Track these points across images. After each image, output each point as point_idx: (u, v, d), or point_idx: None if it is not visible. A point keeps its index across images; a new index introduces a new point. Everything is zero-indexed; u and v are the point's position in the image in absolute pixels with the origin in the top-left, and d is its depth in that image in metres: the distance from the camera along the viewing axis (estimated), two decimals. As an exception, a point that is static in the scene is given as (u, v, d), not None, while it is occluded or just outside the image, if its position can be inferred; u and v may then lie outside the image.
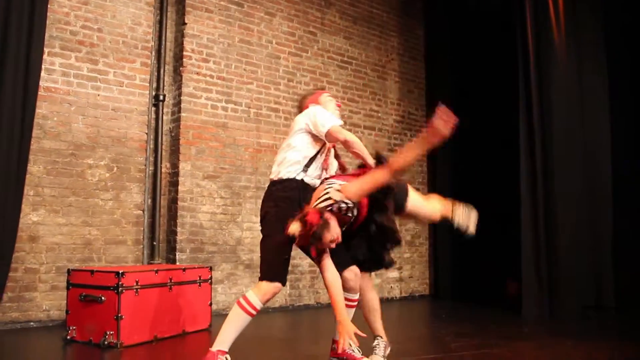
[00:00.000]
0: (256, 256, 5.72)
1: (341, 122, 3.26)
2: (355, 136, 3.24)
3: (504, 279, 6.75)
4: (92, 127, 5.05)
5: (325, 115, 3.21)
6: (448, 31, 7.58)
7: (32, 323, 4.59)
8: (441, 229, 7.43)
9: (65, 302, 4.09)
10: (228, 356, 2.94)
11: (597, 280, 6.00)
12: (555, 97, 5.81)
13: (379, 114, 7.12)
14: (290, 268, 5.57)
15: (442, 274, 7.38)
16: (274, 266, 2.99)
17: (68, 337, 3.92)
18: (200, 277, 4.52)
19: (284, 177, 3.13)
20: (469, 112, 7.40)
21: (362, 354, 3.24)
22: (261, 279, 2.99)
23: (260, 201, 5.85)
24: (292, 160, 3.16)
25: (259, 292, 2.94)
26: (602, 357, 3.56)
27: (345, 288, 3.09)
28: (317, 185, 3.17)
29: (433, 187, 7.53)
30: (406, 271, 7.23)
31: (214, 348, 2.93)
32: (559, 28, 5.94)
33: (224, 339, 2.95)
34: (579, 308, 5.70)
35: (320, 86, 6.51)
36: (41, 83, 4.65)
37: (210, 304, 4.62)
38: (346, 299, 3.06)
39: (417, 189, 7.42)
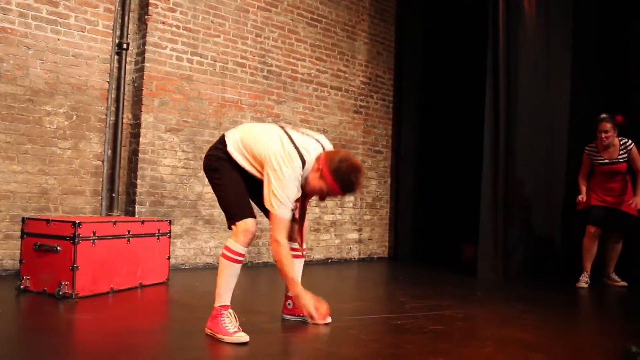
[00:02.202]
0: (216, 212, 5.70)
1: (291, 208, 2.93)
2: (283, 254, 2.90)
3: (462, 243, 6.91)
4: (51, 72, 4.88)
5: (279, 197, 2.83)
6: (420, -6, 7.54)
7: (-16, 271, 4.51)
8: (403, 193, 7.52)
9: (19, 251, 4.01)
10: (231, 310, 2.91)
11: (549, 247, 6.25)
12: (522, 65, 5.93)
13: (346, 75, 7.08)
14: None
15: (402, 237, 7.50)
16: (235, 205, 2.93)
17: (21, 287, 3.86)
18: (159, 230, 4.48)
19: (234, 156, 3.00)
20: (436, 78, 7.48)
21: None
22: (232, 224, 2.92)
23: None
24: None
25: (235, 237, 2.89)
26: (551, 321, 3.68)
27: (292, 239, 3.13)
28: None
29: (397, 151, 7.58)
30: (366, 233, 7.31)
31: (216, 304, 2.90)
32: (531, 7, 6.02)
33: (221, 293, 2.92)
34: (531, 273, 5.92)
35: (288, 43, 6.41)
36: (-3, 23, 4.46)
37: (169, 258, 4.60)
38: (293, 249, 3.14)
39: (380, 152, 7.48)
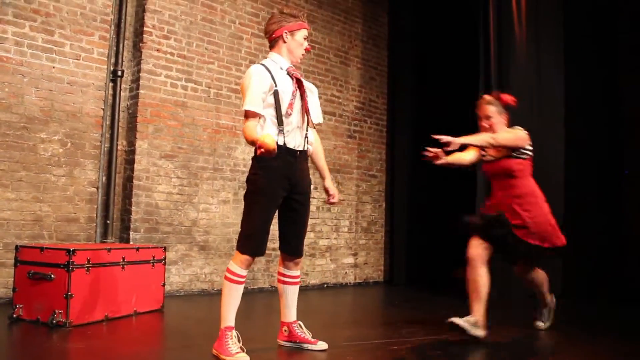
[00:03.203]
0: (211, 238, 5.69)
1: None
2: (248, 125, 2.99)
3: (458, 266, 6.88)
4: (46, 100, 4.90)
5: (249, 92, 3.03)
6: (412, 19, 7.63)
7: (-24, 300, 4.46)
8: (397, 216, 7.52)
9: (13, 279, 3.98)
10: (235, 331, 2.98)
11: (544, 268, 6.21)
12: (514, 84, 5.95)
13: (340, 100, 7.13)
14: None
15: (397, 261, 7.48)
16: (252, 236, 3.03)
17: (14, 316, 3.82)
18: (153, 257, 4.46)
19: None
20: (429, 101, 7.53)
21: (313, 337, 3.27)
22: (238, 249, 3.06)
23: (216, 182, 5.80)
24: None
25: (236, 260, 3.01)
26: (545, 344, 3.67)
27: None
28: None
29: (391, 175, 7.60)
30: (361, 257, 7.30)
31: (221, 325, 2.98)
32: (520, 21, 6.08)
33: (225, 315, 2.99)
34: (527, 295, 5.89)
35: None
36: (-8, 52, 4.48)
37: (164, 285, 4.57)
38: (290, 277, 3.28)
39: (374, 177, 7.50)
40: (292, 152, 3.08)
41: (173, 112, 5.53)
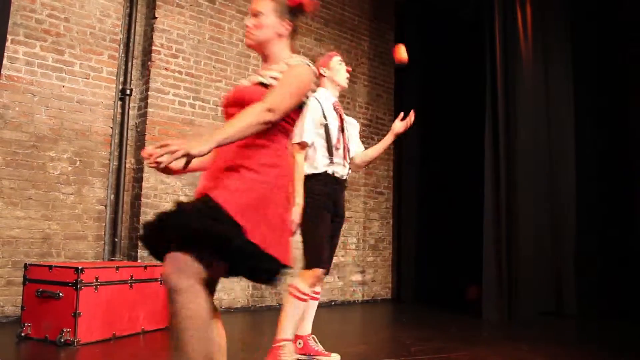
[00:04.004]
0: (219, 255, 5.67)
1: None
2: (297, 171, 3.17)
3: (466, 283, 6.84)
4: (56, 118, 4.94)
5: (300, 126, 3.20)
6: (418, 37, 7.65)
7: (-15, 318, 4.46)
8: (405, 234, 7.50)
9: (21, 297, 3.99)
10: (291, 344, 3.14)
11: (558, 286, 6.15)
12: (521, 103, 5.98)
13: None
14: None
15: (405, 278, 7.44)
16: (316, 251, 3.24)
17: (23, 334, 3.82)
18: (161, 275, 4.45)
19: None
20: (436, 118, 7.54)
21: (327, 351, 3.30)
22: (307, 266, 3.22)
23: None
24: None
25: (304, 279, 3.18)
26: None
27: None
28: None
29: (398, 192, 7.59)
30: (369, 275, 7.26)
31: (278, 337, 3.10)
32: (526, 37, 6.10)
33: (285, 328, 3.12)
34: (538, 313, 5.83)
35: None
36: (3, 71, 4.53)
37: (171, 303, 4.55)
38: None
39: (381, 194, 7.49)
40: (338, 180, 3.40)
41: (181, 130, 5.56)
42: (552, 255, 6.15)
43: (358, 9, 7.42)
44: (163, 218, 1.80)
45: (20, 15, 4.76)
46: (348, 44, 7.24)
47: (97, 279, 3.82)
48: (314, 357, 3.30)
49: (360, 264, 7.17)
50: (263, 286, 6.02)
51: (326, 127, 3.33)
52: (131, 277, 4.14)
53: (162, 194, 5.39)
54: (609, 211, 6.09)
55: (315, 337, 3.38)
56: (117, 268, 4.06)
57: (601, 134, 6.24)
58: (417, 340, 4.29)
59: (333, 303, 6.78)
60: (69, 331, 3.65)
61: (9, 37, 4.61)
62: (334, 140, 3.35)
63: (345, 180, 3.51)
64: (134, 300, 4.14)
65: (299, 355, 3.35)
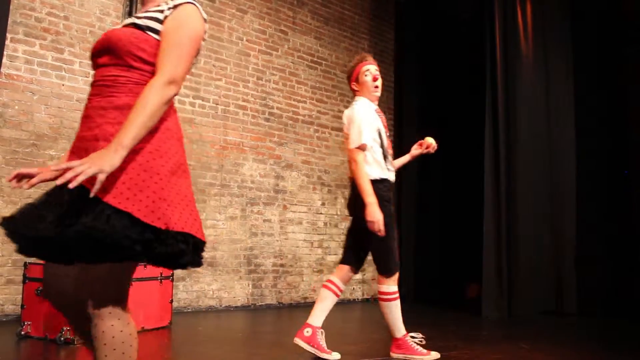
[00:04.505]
0: (219, 254, 5.68)
1: (375, 107, 3.54)
2: (362, 167, 3.32)
3: (466, 282, 6.85)
4: (55, 117, 4.93)
5: (357, 130, 3.35)
6: (418, 35, 7.66)
7: (-15, 317, 4.46)
8: (405, 233, 7.50)
9: (21, 296, 3.98)
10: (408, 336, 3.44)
11: (558, 285, 6.15)
12: (521, 102, 5.98)
13: (347, 116, 7.14)
14: (252, 267, 5.59)
15: (405, 276, 7.42)
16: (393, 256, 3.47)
17: (22, 333, 3.82)
18: (161, 273, 4.46)
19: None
20: (436, 117, 7.53)
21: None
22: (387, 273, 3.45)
23: (224, 198, 5.80)
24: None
25: (388, 282, 3.46)
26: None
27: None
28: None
29: (398, 191, 7.58)
30: (369, 273, 7.26)
31: (398, 335, 3.44)
32: (527, 38, 6.09)
33: (398, 326, 3.46)
34: (538, 312, 5.83)
35: (289, 85, 6.50)
36: (2, 70, 4.53)
37: (171, 302, 4.56)
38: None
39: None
40: (392, 185, 3.53)
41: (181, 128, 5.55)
42: (553, 254, 6.15)
43: (358, 7, 7.41)
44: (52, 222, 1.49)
45: (20, 13, 4.75)
46: (348, 42, 7.24)
47: (97, 277, 3.81)
48: (316, 350, 3.30)
49: (360, 263, 7.15)
50: (263, 285, 6.03)
51: (379, 131, 3.42)
52: (131, 275, 4.13)
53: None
54: (609, 209, 6.08)
55: (323, 331, 3.43)
56: (117, 267, 4.04)
57: (601, 132, 6.23)
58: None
59: (333, 301, 6.77)
60: (69, 330, 3.65)
61: (9, 36, 4.60)
62: (385, 145, 3.46)
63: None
64: (134, 299, 4.12)
65: (300, 342, 3.37)
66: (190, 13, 1.69)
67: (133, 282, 4.09)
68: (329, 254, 6.80)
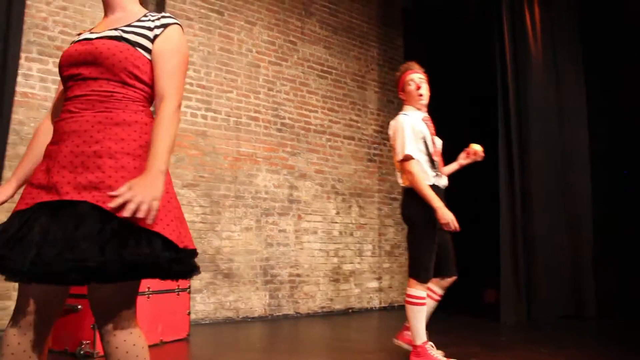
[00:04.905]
0: (235, 265, 5.69)
1: (424, 115, 3.60)
2: (418, 175, 3.39)
3: (482, 287, 6.79)
4: (70, 134, 4.98)
5: (400, 141, 3.40)
6: (427, 41, 7.66)
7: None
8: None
9: (40, 311, 4.01)
10: (431, 343, 3.42)
11: (577, 289, 6.07)
12: (533, 104, 5.96)
13: (359, 124, 7.16)
14: (269, 278, 5.60)
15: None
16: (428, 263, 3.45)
17: (42, 347, 3.84)
18: (178, 285, 4.48)
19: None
20: (446, 122, 7.51)
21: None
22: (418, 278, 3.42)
23: (238, 210, 5.83)
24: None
25: (416, 287, 3.41)
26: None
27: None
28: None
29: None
30: (385, 281, 7.24)
31: (419, 342, 3.37)
32: (536, 40, 6.07)
33: (420, 333, 3.38)
34: (558, 316, 5.77)
35: (300, 95, 6.53)
36: (18, 88, 4.59)
37: (189, 313, 4.58)
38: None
39: (396, 199, 7.46)
40: (442, 190, 3.58)
41: (194, 141, 5.60)
42: (571, 256, 6.08)
43: (366, 15, 7.44)
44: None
45: (33, 32, 4.83)
46: (357, 51, 7.26)
47: (114, 291, 3.84)
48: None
49: (376, 271, 7.15)
50: (280, 295, 6.03)
51: (424, 139, 3.46)
52: (148, 288, 4.16)
53: (177, 206, 5.41)
54: (626, 210, 6.03)
55: (433, 344, 3.48)
56: (134, 280, 4.07)
57: (615, 132, 6.19)
58: (434, 345, 4.26)
59: (350, 310, 6.76)
60: (88, 343, 3.68)
61: (23, 55, 4.67)
62: (431, 152, 3.50)
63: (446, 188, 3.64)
64: (151, 312, 4.16)
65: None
66: (182, 37, 1.75)
67: (150, 295, 4.12)
68: (345, 263, 6.79)
